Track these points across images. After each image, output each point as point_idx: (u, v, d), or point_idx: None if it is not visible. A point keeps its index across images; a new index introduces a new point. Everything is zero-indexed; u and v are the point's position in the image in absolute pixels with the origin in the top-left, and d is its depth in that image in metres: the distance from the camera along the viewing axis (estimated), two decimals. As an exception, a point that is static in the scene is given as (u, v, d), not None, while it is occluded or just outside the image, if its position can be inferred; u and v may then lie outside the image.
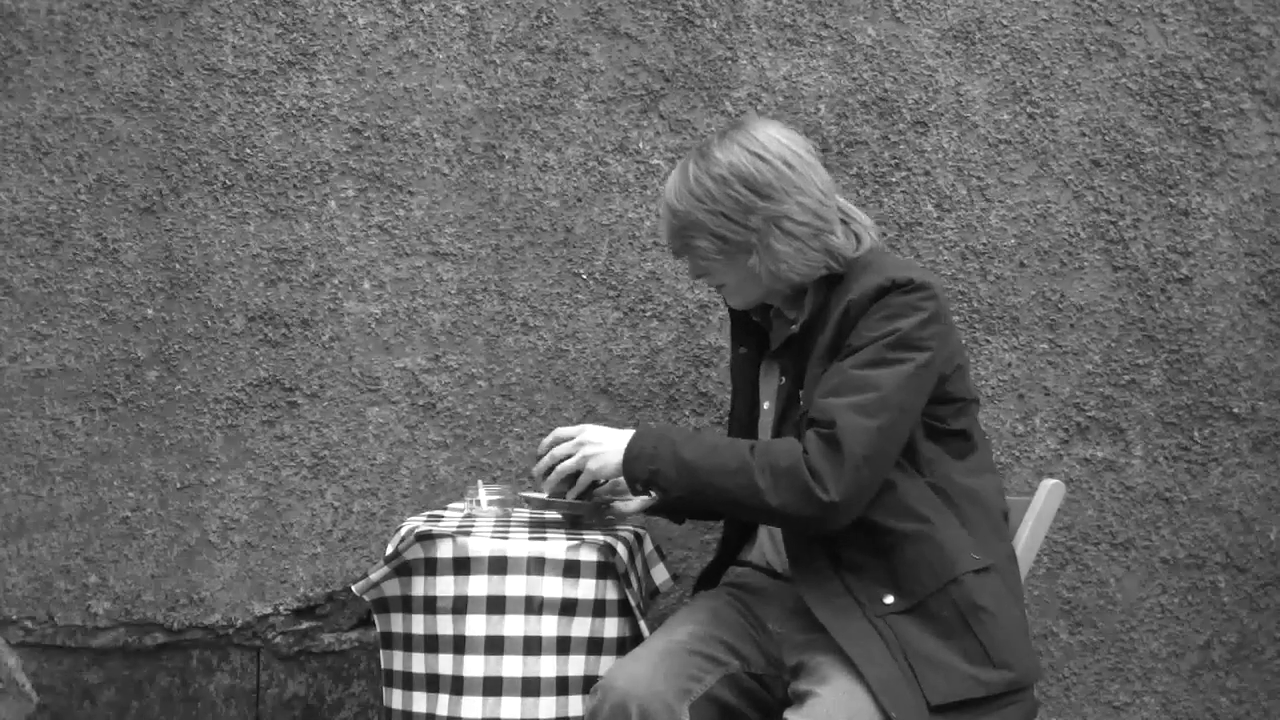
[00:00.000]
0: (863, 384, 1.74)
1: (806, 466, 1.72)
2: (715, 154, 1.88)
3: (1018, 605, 1.82)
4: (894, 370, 1.74)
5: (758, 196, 1.85)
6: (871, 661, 1.70)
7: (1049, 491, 2.00)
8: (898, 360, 1.75)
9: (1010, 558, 1.87)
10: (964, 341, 2.50)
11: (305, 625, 2.51)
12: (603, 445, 1.89)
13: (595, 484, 1.95)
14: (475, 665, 1.88)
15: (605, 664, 1.90)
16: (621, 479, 1.90)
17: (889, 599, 1.76)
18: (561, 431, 1.95)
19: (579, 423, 2.48)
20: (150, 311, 2.50)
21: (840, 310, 1.81)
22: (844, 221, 1.91)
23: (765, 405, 2.02)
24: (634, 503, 2.04)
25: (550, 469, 1.92)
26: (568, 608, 1.91)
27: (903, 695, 1.67)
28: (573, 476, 1.93)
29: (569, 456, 1.91)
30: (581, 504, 2.00)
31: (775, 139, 1.89)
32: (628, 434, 1.89)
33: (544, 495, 1.99)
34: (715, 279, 1.96)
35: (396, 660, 1.96)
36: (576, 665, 1.91)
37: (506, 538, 1.94)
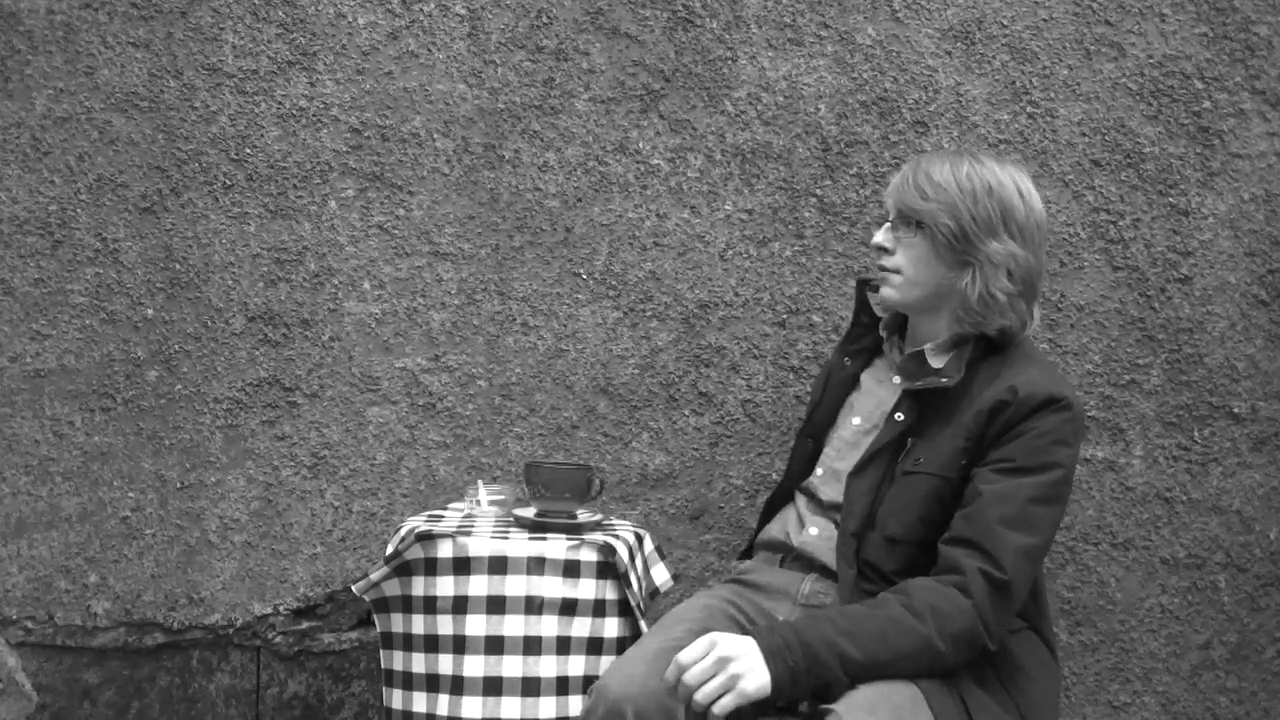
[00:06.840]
0: (1033, 524, 1.72)
1: (981, 622, 1.68)
2: (995, 170, 1.86)
3: (1053, 667, 1.85)
4: (1053, 510, 1.75)
5: (1007, 233, 1.83)
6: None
7: (1049, 491, 2.00)
8: (1058, 499, 1.76)
9: (1042, 615, 1.89)
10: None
11: (305, 625, 2.51)
12: (745, 659, 1.61)
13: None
14: (475, 665, 1.88)
15: (605, 664, 1.90)
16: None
17: None
18: (688, 655, 1.62)
19: (579, 421, 2.48)
20: (150, 311, 2.50)
21: (997, 394, 1.78)
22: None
23: (855, 421, 1.98)
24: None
25: (691, 692, 1.61)
26: (568, 608, 1.91)
27: (943, 696, 1.67)
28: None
29: (710, 678, 1.60)
30: (585, 523, 2.02)
31: (1038, 200, 1.88)
32: (752, 643, 1.63)
33: (533, 516, 2.01)
34: (901, 254, 1.89)
35: (396, 660, 1.96)
36: (576, 665, 1.91)
37: (506, 538, 1.94)
